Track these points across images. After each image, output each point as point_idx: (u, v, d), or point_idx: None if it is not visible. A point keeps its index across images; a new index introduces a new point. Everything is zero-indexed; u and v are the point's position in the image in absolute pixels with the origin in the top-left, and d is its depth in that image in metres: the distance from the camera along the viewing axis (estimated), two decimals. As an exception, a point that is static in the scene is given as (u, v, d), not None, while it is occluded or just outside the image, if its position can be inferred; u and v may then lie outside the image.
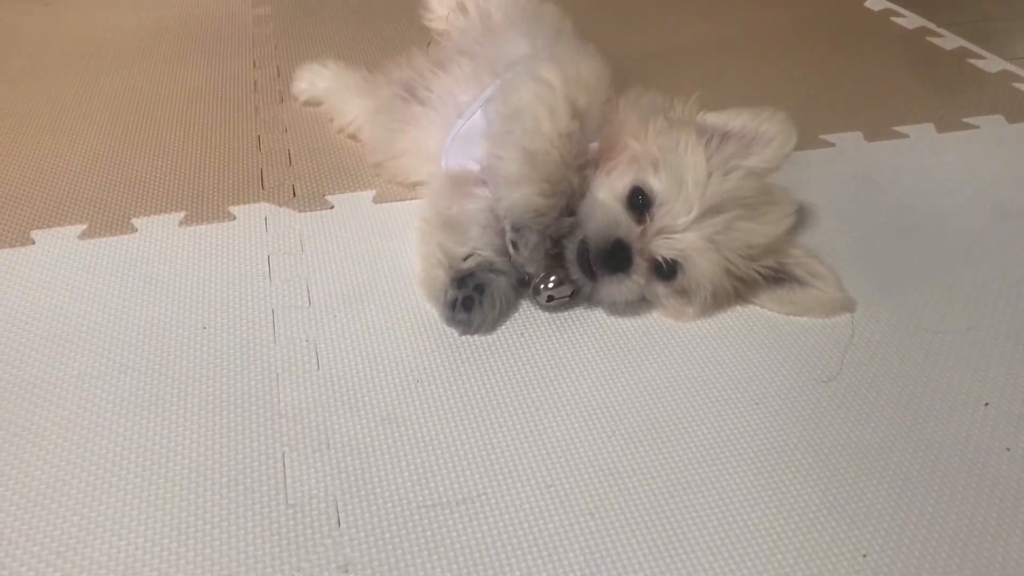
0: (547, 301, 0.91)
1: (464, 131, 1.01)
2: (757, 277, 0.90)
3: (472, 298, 0.87)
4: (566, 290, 0.90)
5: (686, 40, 1.56)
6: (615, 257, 0.85)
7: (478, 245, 0.91)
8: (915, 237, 1.03)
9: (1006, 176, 1.16)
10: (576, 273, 0.88)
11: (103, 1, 1.74)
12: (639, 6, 1.71)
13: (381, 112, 1.13)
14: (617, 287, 0.86)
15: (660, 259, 0.86)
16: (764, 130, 0.92)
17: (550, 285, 0.90)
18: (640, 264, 0.86)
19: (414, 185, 1.09)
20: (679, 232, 0.85)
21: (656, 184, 0.86)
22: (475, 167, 0.97)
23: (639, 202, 0.87)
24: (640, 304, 0.91)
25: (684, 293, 0.89)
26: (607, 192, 0.88)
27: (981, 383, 0.83)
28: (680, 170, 0.85)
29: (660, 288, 0.89)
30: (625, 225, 0.85)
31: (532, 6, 1.17)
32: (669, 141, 0.88)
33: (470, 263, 0.90)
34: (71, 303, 0.92)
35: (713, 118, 0.93)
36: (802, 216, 1.03)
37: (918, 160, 1.19)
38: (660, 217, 0.85)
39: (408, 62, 1.15)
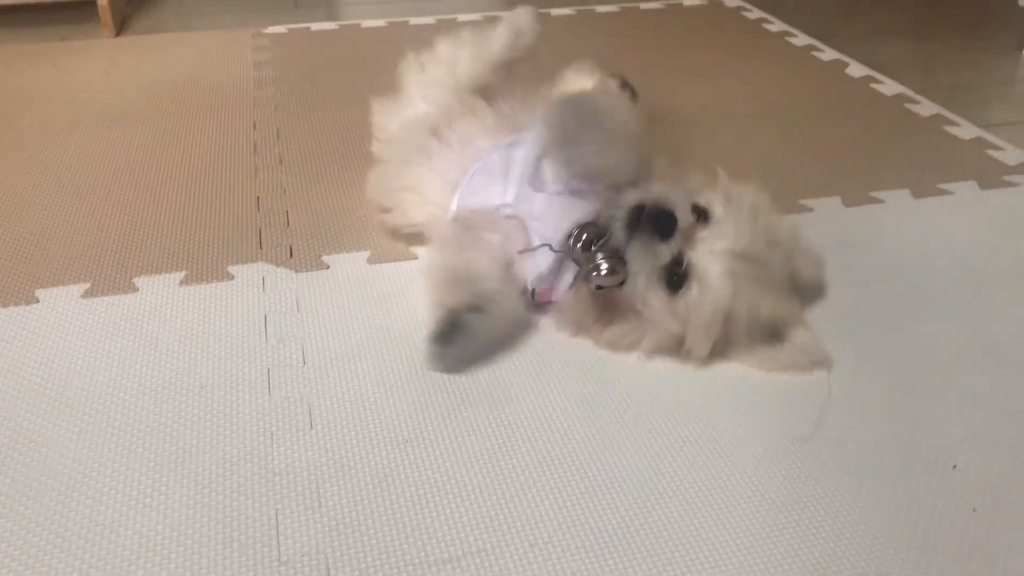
0: (596, 289, 0.94)
1: (483, 168, 1.05)
2: (741, 342, 0.95)
3: (450, 334, 0.92)
4: (616, 279, 0.92)
5: (662, 108, 1.62)
6: (663, 222, 0.90)
7: (486, 298, 0.94)
8: (889, 300, 1.07)
9: (978, 242, 1.20)
10: (618, 228, 0.92)
11: (109, 62, 1.80)
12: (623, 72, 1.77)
13: (403, 133, 1.18)
14: (643, 255, 0.91)
15: (684, 261, 0.91)
16: (803, 256, 1.01)
17: (602, 272, 0.92)
18: (673, 246, 0.91)
19: (411, 229, 1.12)
20: (716, 251, 0.91)
21: (719, 211, 0.93)
22: (495, 201, 1.02)
23: (699, 213, 0.93)
24: (624, 369, 0.94)
25: (677, 316, 0.92)
26: (680, 189, 0.94)
27: (949, 444, 0.86)
28: (742, 215, 0.93)
29: (661, 297, 0.92)
30: (684, 212, 0.92)
31: None
32: (747, 198, 0.96)
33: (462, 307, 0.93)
34: (73, 362, 0.95)
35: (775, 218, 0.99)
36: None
37: (893, 225, 1.24)
38: (709, 233, 0.92)
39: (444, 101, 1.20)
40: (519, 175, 1.02)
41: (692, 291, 0.91)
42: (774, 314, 0.94)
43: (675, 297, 0.92)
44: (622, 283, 0.93)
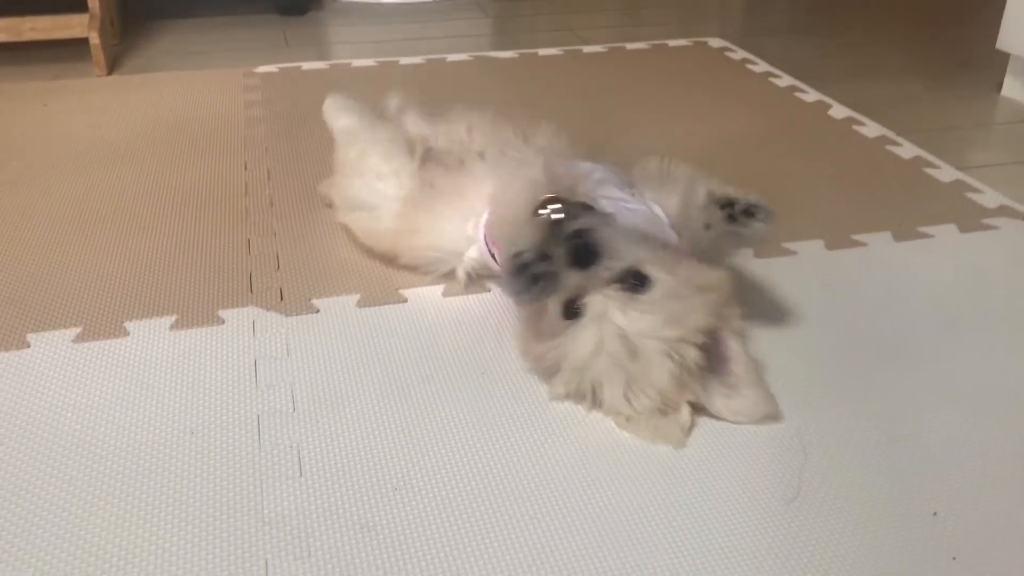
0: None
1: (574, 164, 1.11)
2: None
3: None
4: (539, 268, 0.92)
5: (644, 147, 1.64)
6: (581, 254, 0.90)
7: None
8: (870, 344, 1.09)
9: (958, 286, 1.22)
10: (559, 236, 0.92)
11: (99, 102, 1.82)
12: (610, 111, 1.80)
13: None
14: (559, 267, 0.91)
15: (580, 301, 0.91)
16: (747, 390, 0.94)
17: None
18: (578, 280, 0.91)
19: (438, 261, 1.15)
20: (608, 317, 0.90)
21: (655, 295, 0.90)
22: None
23: (636, 280, 0.91)
24: (609, 438, 0.95)
25: (554, 339, 0.94)
26: (648, 254, 0.93)
27: (930, 492, 0.88)
28: (661, 314, 0.89)
29: (556, 314, 0.93)
30: (611, 264, 0.90)
31: None
32: (690, 305, 0.91)
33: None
34: (64, 407, 0.96)
35: (732, 345, 0.94)
36: (760, 323, 1.10)
37: (875, 269, 1.26)
38: (623, 300, 0.90)
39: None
40: (608, 179, 1.09)
41: (575, 330, 0.92)
42: (612, 406, 0.93)
43: (564, 324, 0.92)
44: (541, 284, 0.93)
